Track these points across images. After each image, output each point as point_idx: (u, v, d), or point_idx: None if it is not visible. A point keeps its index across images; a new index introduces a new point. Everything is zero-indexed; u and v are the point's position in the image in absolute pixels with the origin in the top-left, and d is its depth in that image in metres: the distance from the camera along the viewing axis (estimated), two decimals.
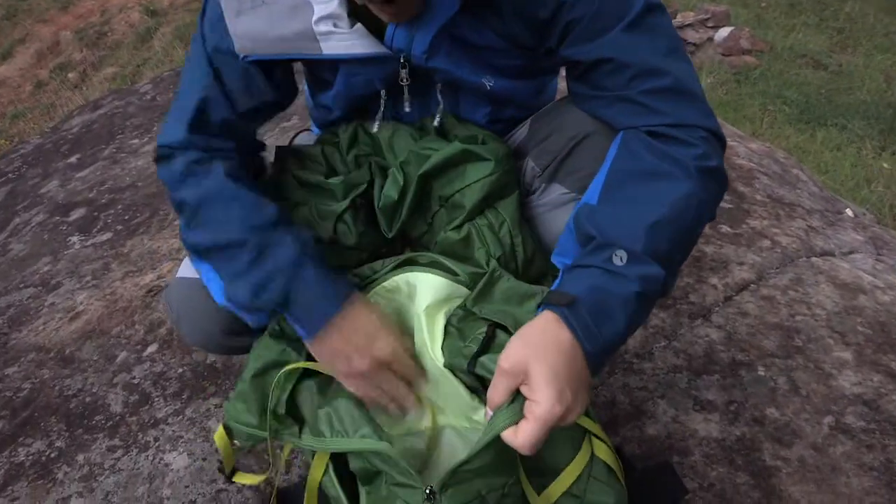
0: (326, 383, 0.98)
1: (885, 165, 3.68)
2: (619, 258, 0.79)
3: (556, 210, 1.02)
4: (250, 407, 0.97)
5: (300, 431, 0.95)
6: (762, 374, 1.45)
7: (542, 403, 0.73)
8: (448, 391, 0.97)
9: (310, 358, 0.98)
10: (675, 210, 0.82)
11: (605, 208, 0.86)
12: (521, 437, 0.74)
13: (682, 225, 0.83)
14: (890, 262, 1.89)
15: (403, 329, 1.00)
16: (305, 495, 1.09)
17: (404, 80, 0.99)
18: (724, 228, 1.88)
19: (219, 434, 1.01)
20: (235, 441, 1.00)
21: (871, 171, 3.61)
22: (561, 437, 0.96)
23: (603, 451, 0.96)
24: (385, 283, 1.01)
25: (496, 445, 0.82)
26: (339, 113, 1.09)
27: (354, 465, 0.97)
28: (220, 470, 1.03)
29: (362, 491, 0.98)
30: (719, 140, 0.91)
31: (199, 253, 0.95)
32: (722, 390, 1.42)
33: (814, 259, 1.81)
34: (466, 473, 0.85)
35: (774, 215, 1.97)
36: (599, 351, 0.77)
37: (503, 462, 0.86)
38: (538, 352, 0.76)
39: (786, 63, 4.93)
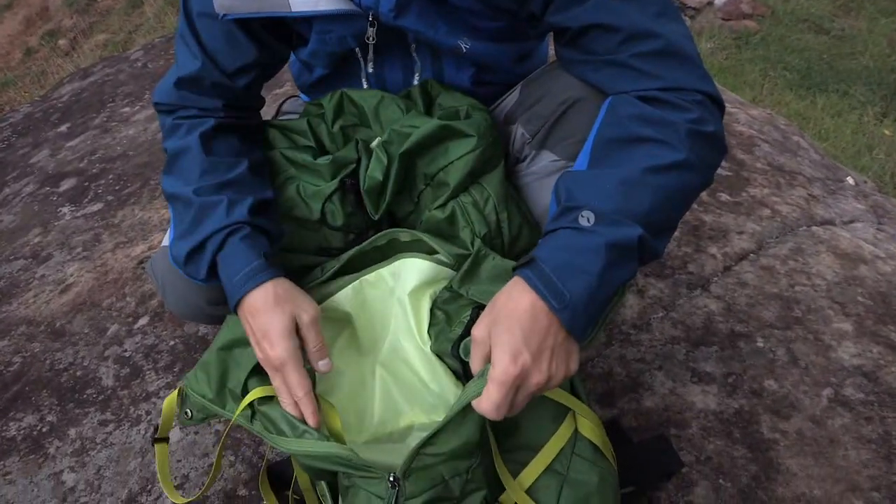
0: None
1: (887, 132, 3.63)
2: (587, 219, 0.77)
3: (547, 179, 0.99)
4: (210, 379, 0.96)
5: (252, 417, 0.93)
6: (761, 345, 1.43)
7: (496, 365, 0.73)
8: (434, 378, 0.95)
9: None
10: (658, 173, 0.80)
11: (585, 174, 0.83)
12: (482, 401, 0.74)
13: (665, 189, 0.80)
14: (891, 232, 1.87)
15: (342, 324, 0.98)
16: (294, 469, 1.09)
17: (370, 39, 0.97)
18: (724, 197, 1.84)
19: (169, 398, 1.00)
20: (187, 410, 0.98)
21: (872, 138, 3.57)
22: (541, 414, 0.95)
23: (588, 429, 0.95)
24: (368, 277, 0.99)
25: (462, 427, 0.83)
26: (320, 71, 1.08)
27: (305, 464, 0.96)
28: (154, 434, 1.02)
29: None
30: (716, 104, 0.88)
31: (168, 199, 0.98)
32: (720, 362, 1.40)
33: (814, 228, 1.78)
34: (429, 458, 0.85)
35: (775, 184, 1.94)
36: (570, 308, 0.74)
37: (466, 446, 0.85)
38: (500, 316, 0.76)
39: (787, 28, 4.85)
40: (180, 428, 1.43)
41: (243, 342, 0.96)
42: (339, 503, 0.99)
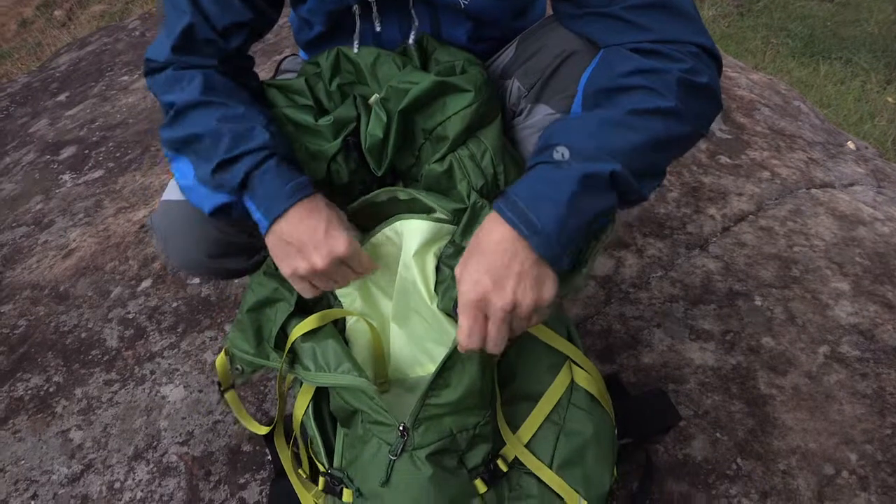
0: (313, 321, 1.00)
1: (890, 100, 3.61)
2: (561, 154, 0.79)
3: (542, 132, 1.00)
4: (247, 336, 1.00)
5: (292, 363, 0.98)
6: (759, 303, 1.45)
7: (459, 293, 0.78)
8: (442, 335, 0.97)
9: (300, 299, 0.99)
10: (641, 115, 0.80)
11: (569, 119, 0.85)
12: (457, 333, 0.79)
13: (649, 132, 0.80)
14: (891, 195, 1.87)
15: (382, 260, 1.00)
16: (294, 429, 1.11)
17: None
18: (723, 159, 1.85)
19: (220, 357, 1.05)
20: (237, 366, 1.03)
21: (875, 106, 3.55)
22: (537, 364, 0.97)
23: (584, 379, 0.97)
24: (371, 239, 1.00)
25: (463, 375, 0.87)
26: (319, 28, 1.07)
27: (334, 404, 1.00)
28: (219, 388, 1.09)
29: (340, 432, 1.01)
30: (712, 57, 0.88)
31: (177, 146, 0.95)
32: (718, 320, 1.42)
33: (813, 191, 1.79)
34: (434, 408, 0.88)
35: (774, 147, 1.94)
36: (541, 234, 0.76)
37: (469, 396, 0.88)
38: (473, 250, 0.79)
39: None
40: (184, 387, 1.45)
41: (269, 302, 1.00)
42: (332, 459, 1.03)
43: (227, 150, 0.89)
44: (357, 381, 0.90)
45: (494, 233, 0.78)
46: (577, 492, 0.93)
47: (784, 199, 1.73)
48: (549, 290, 0.79)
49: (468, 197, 0.98)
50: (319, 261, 0.87)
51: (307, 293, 0.93)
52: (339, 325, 1.02)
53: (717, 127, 1.98)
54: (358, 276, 0.93)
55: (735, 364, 1.34)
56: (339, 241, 0.87)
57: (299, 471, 1.11)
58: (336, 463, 1.02)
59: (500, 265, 0.76)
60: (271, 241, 0.90)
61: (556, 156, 0.78)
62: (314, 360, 0.95)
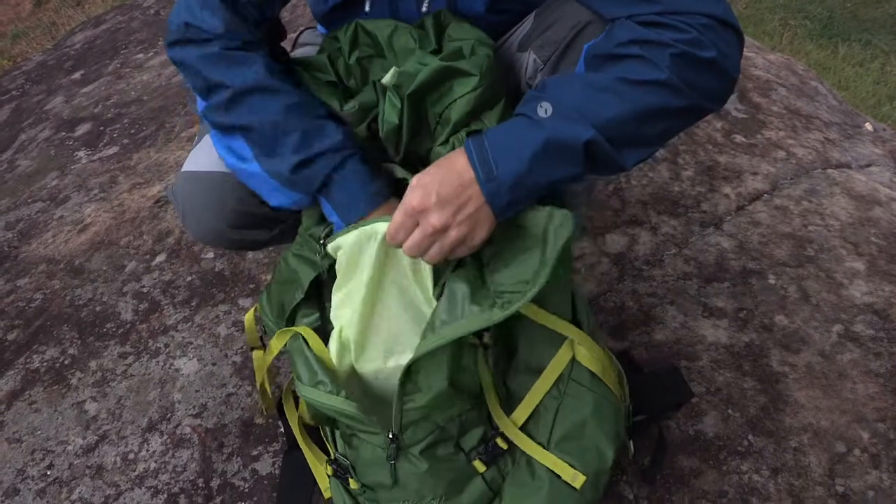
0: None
1: None
2: (545, 109, 0.80)
3: None
4: (272, 306, 1.02)
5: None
6: (773, 282, 1.44)
7: (405, 196, 0.82)
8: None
9: (317, 280, 1.00)
10: (630, 84, 0.79)
11: (563, 75, 0.84)
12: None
13: (635, 102, 0.79)
14: None
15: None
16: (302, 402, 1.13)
17: None
18: (739, 138, 1.83)
19: (249, 314, 1.09)
20: (262, 326, 1.06)
21: (894, 88, 3.51)
22: (538, 339, 0.97)
23: (585, 357, 0.96)
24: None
25: (432, 378, 0.88)
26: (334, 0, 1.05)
27: (311, 410, 1.02)
28: (248, 346, 1.16)
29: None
30: (728, 27, 0.84)
31: (233, 130, 0.93)
32: (731, 297, 1.41)
33: (829, 171, 1.77)
34: (414, 412, 0.90)
35: (791, 127, 1.92)
36: (495, 182, 0.79)
37: (439, 398, 0.89)
38: (437, 165, 0.84)
39: None
40: (198, 360, 1.46)
41: (290, 282, 1.01)
42: (336, 444, 1.05)
43: (300, 148, 0.89)
44: (337, 403, 0.91)
45: (458, 163, 0.82)
46: (574, 467, 0.94)
47: (799, 178, 1.72)
48: (480, 237, 0.83)
49: None
50: None
51: None
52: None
53: (733, 106, 1.96)
54: None
55: (748, 342, 1.33)
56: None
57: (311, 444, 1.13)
58: (340, 449, 1.04)
59: (451, 191, 0.80)
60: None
61: (540, 111, 0.80)
62: (301, 367, 0.96)
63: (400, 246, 0.84)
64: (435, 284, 0.93)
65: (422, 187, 0.81)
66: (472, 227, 0.82)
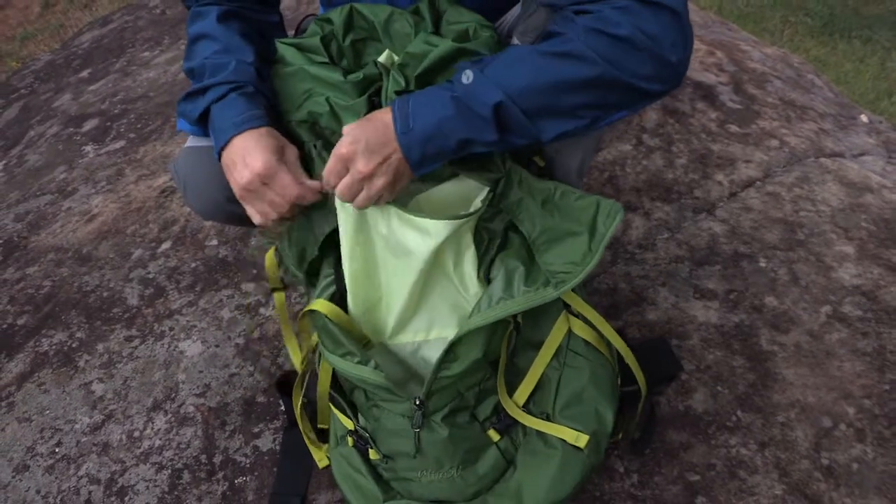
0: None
1: None
2: (467, 77, 0.85)
3: None
4: (294, 251, 1.05)
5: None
6: (763, 265, 1.47)
7: (338, 143, 0.89)
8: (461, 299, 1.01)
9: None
10: (545, 56, 0.83)
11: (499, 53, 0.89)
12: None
13: (549, 71, 0.83)
14: None
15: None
16: (319, 377, 1.16)
17: None
18: (733, 128, 1.86)
19: (269, 254, 1.16)
20: (285, 268, 1.10)
21: (893, 84, 3.52)
22: (544, 315, 1.01)
23: (579, 327, 1.01)
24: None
25: (471, 350, 0.93)
26: None
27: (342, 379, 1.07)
28: (281, 283, 1.21)
29: (356, 393, 1.09)
30: (657, 8, 0.83)
31: (189, 76, 1.04)
32: (723, 280, 1.44)
33: (822, 159, 1.80)
34: (445, 380, 0.94)
35: (785, 117, 1.94)
36: (407, 135, 0.86)
37: (474, 365, 0.95)
38: (369, 117, 0.90)
39: None
40: (202, 342, 1.50)
41: (309, 231, 1.04)
42: (358, 417, 1.09)
43: (199, 80, 0.99)
44: (363, 372, 0.96)
45: (385, 117, 0.88)
46: (577, 430, 0.97)
47: (792, 166, 1.75)
48: (399, 188, 0.91)
49: None
50: (245, 175, 0.93)
51: (255, 218, 0.98)
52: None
53: (728, 97, 1.99)
54: (285, 202, 0.96)
55: (738, 322, 1.36)
56: (257, 160, 0.93)
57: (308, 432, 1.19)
58: (362, 422, 1.08)
59: (378, 141, 0.87)
60: (223, 168, 0.98)
61: (463, 78, 0.85)
62: (332, 339, 0.99)
63: (333, 189, 0.91)
64: (480, 266, 0.98)
65: (352, 136, 0.88)
66: (395, 177, 0.89)
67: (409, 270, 0.95)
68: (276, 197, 0.94)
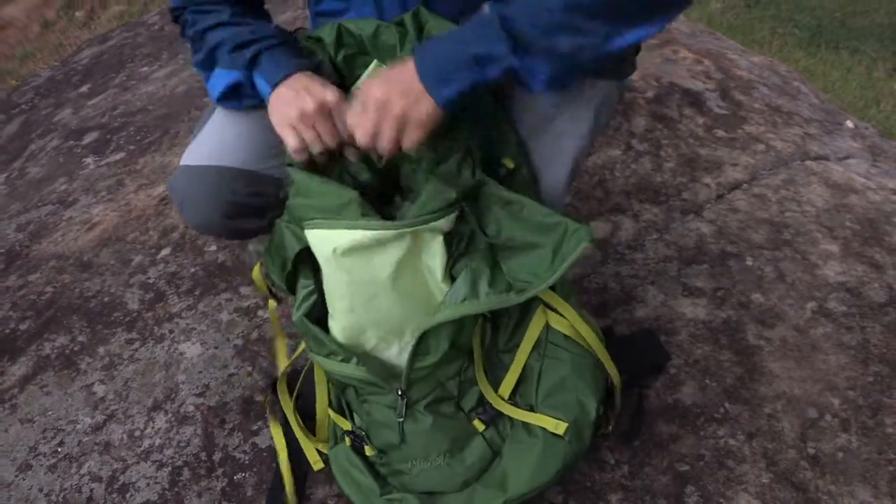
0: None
1: None
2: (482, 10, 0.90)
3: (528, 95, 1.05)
4: (275, 263, 1.09)
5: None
6: (750, 263, 1.50)
7: (366, 95, 0.93)
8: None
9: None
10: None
11: None
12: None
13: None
14: (885, 168, 1.92)
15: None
16: (315, 379, 1.20)
17: None
18: (720, 133, 1.90)
19: (256, 269, 1.21)
20: (271, 282, 1.15)
21: (880, 93, 3.58)
22: (518, 310, 1.05)
23: (556, 321, 1.04)
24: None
25: (439, 341, 0.98)
26: None
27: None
28: (270, 293, 1.26)
29: (348, 392, 1.14)
30: None
31: (207, 64, 1.09)
32: (710, 278, 1.48)
33: (808, 162, 1.84)
34: (423, 370, 1.00)
35: (771, 122, 1.99)
36: (426, 67, 0.90)
37: (446, 356, 1.00)
38: (385, 69, 0.97)
39: None
40: (201, 344, 1.53)
41: (284, 247, 1.07)
42: (353, 419, 1.15)
43: (239, 38, 1.05)
44: (349, 370, 1.02)
45: (408, 60, 0.92)
46: (558, 418, 1.01)
47: (778, 169, 1.79)
48: (426, 126, 0.92)
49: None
50: (310, 103, 0.97)
51: (294, 143, 0.99)
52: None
53: (715, 103, 2.03)
54: (336, 136, 0.99)
55: (725, 318, 1.40)
56: (329, 92, 0.98)
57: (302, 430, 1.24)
58: (357, 423, 1.13)
59: (400, 83, 0.91)
60: (272, 101, 1.02)
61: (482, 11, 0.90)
62: (316, 341, 1.04)
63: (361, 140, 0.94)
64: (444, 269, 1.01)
65: (373, 80, 0.93)
66: (419, 120, 0.91)
67: (384, 296, 0.99)
68: (331, 129, 0.98)
